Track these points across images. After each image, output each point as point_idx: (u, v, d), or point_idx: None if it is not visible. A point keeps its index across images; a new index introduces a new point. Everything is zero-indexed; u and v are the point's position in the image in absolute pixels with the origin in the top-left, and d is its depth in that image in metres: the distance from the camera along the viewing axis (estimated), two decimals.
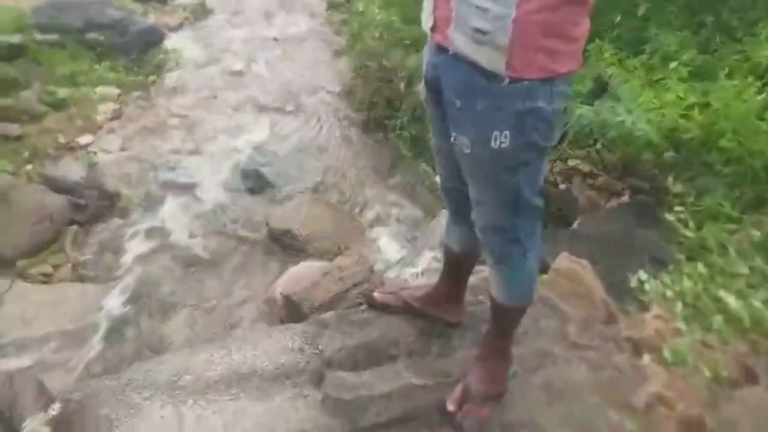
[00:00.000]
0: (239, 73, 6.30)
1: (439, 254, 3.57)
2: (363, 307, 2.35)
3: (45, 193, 3.56)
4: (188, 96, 5.56)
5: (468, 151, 1.54)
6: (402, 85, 5.08)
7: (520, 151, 1.49)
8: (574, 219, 3.17)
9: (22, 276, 3.12)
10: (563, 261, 2.50)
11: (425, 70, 1.69)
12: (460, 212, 1.97)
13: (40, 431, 1.75)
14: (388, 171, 4.69)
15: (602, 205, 3.33)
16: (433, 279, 2.94)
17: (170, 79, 5.94)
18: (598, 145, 3.60)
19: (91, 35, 5.76)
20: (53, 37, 5.63)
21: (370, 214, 4.14)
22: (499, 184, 1.59)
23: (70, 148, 4.41)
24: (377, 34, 7.03)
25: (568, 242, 2.78)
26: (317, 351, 2.06)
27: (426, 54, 1.64)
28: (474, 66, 1.40)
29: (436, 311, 2.28)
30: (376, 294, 2.36)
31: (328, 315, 2.28)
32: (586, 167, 3.62)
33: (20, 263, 3.18)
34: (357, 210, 4.15)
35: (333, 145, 4.97)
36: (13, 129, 4.38)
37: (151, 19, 7.52)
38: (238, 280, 3.26)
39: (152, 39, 6.25)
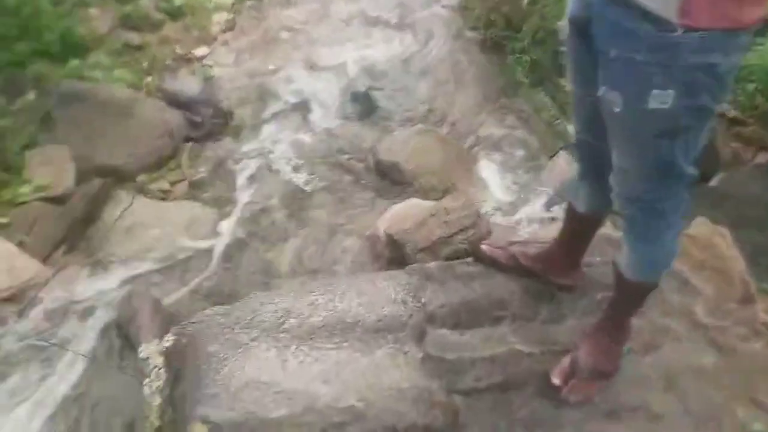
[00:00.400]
0: None
1: (555, 199, 3.35)
2: (469, 259, 2.24)
3: (164, 108, 3.64)
4: (300, 7, 5.40)
5: (618, 109, 1.33)
6: (524, 2, 4.64)
7: (682, 114, 1.28)
8: (713, 174, 2.80)
9: (143, 191, 3.25)
10: (700, 227, 2.23)
11: (573, 6, 1.47)
12: (592, 170, 1.78)
13: (155, 359, 1.84)
14: (503, 98, 4.38)
15: (749, 159, 2.91)
16: (547, 231, 2.79)
17: None
18: (751, 87, 3.11)
19: None
20: None
21: (479, 148, 3.92)
22: (650, 151, 1.39)
23: (187, 60, 4.46)
24: None
25: (704, 203, 2.47)
26: (419, 304, 2.00)
27: None
28: (638, 8, 1.18)
29: (549, 272, 2.13)
30: (484, 246, 2.24)
31: (432, 265, 2.19)
32: (732, 112, 3.15)
33: (140, 178, 3.31)
34: (466, 143, 3.94)
35: (445, 67, 4.69)
36: (134, 38, 4.48)
37: None
38: (343, 211, 3.22)
39: None
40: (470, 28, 5.04)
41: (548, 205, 3.39)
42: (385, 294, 2.00)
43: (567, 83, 2.12)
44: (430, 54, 4.83)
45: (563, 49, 1.90)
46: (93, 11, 4.68)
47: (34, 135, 3.16)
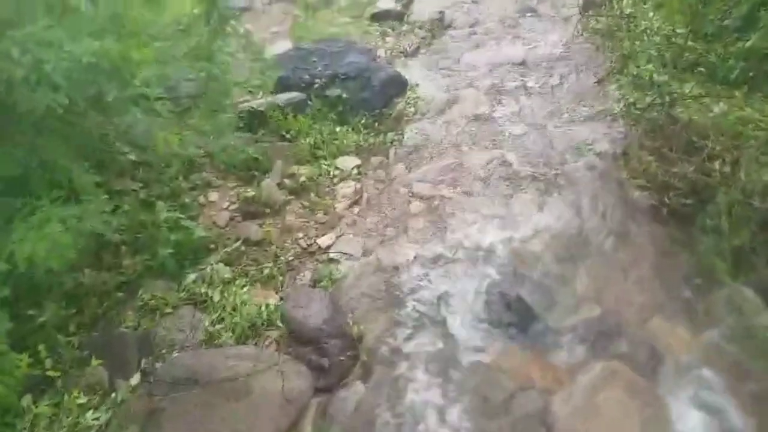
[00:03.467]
0: (485, 119, 5.30)
1: None
2: None
3: (286, 364, 3.01)
4: (431, 164, 4.74)
5: None
6: (716, 164, 3.63)
7: None
8: None
9: None
10: None
11: None
12: None
13: None
14: (694, 294, 3.36)
15: None
16: None
17: (410, 134, 5.19)
18: None
19: (334, 91, 5.24)
20: (295, 96, 5.23)
21: (674, 386, 2.92)
22: None
23: (311, 253, 3.91)
24: (654, 52, 5.46)
25: None
26: None
27: None
28: None
29: None
30: None
31: None
32: None
33: None
34: (661, 380, 2.95)
35: (611, 246, 3.76)
36: (255, 231, 4.01)
37: (388, 44, 6.93)
38: None
39: (395, 91, 5.53)
40: (637, 187, 4.08)
41: None
42: None
43: None
44: (590, 226, 3.93)
45: None
46: (212, 195, 4.35)
47: None
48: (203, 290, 3.49)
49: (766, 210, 3.23)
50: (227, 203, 4.26)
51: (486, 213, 4.13)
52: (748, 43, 4.54)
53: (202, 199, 4.28)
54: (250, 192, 4.26)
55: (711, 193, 3.56)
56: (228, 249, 3.82)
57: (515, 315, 3.38)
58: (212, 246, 3.87)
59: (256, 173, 4.49)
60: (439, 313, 3.47)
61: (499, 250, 3.81)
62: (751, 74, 4.45)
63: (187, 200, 4.11)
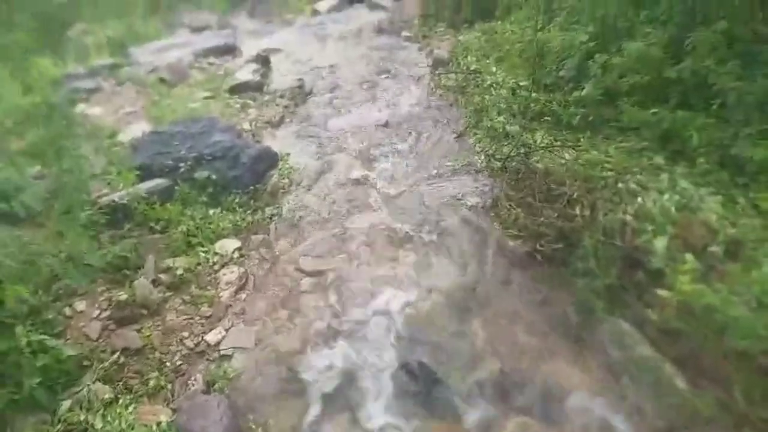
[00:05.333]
0: (359, 183, 5.34)
1: None
2: None
3: None
4: (313, 234, 4.65)
5: None
6: (577, 209, 3.91)
7: None
8: None
9: None
10: None
11: None
12: None
13: None
14: (581, 339, 3.53)
15: None
16: None
17: (288, 206, 5.07)
18: None
19: (202, 173, 4.98)
20: (159, 183, 4.91)
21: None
22: None
23: (200, 353, 3.59)
24: (503, 105, 5.88)
25: None
26: None
27: None
28: None
29: None
30: None
31: None
32: None
33: None
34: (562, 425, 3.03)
35: (498, 296, 3.88)
36: (133, 338, 3.63)
37: (251, 116, 6.82)
38: None
39: (267, 165, 5.39)
40: (511, 237, 4.27)
41: None
42: None
43: None
44: (475, 280, 4.02)
45: None
46: (79, 304, 3.89)
47: None
48: (82, 418, 3.06)
49: (626, 248, 3.51)
50: (98, 311, 3.82)
51: (376, 280, 4.08)
52: (584, 92, 5.03)
53: (67, 310, 3.81)
54: (123, 294, 3.86)
55: (577, 236, 3.81)
56: (105, 364, 3.40)
57: (421, 383, 3.33)
58: (86, 363, 3.43)
59: (127, 272, 4.10)
60: (346, 396, 3.32)
61: (394, 316, 3.76)
62: (590, 119, 4.92)
63: (50, 316, 3.63)
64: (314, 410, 3.23)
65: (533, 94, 5.57)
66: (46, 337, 3.37)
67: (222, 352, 3.60)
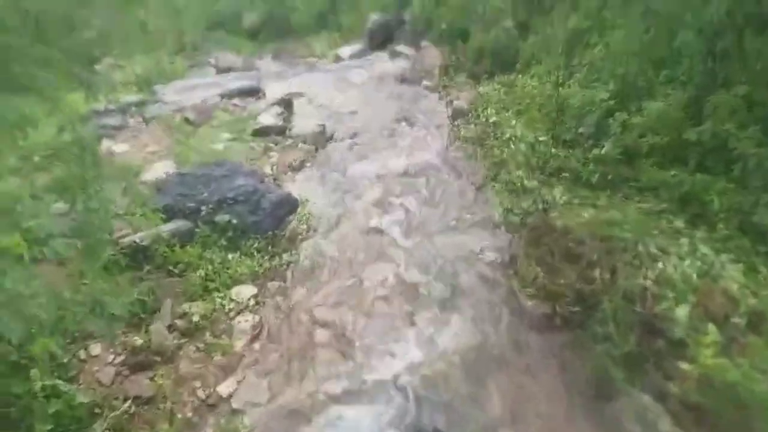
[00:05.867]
0: (376, 232, 5.35)
1: None
2: None
3: None
4: (330, 284, 4.64)
5: None
6: (596, 271, 3.86)
7: None
8: None
9: None
10: None
11: None
12: None
13: None
14: (597, 402, 3.45)
15: None
16: None
17: (305, 253, 5.08)
18: None
19: (223, 217, 5.02)
20: (181, 225, 4.96)
21: None
22: None
23: (211, 406, 3.56)
24: (522, 159, 5.90)
25: None
26: None
27: None
28: None
29: None
30: None
31: None
32: None
33: None
34: None
35: (511, 358, 3.80)
36: (146, 386, 3.60)
37: (273, 159, 6.91)
38: None
39: (286, 210, 5.43)
40: (528, 296, 4.22)
41: None
42: None
43: None
44: (491, 341, 3.97)
45: None
46: (94, 348, 3.89)
47: None
48: None
49: (647, 314, 3.45)
50: (112, 356, 3.82)
51: (391, 337, 4.05)
52: (603, 150, 5.04)
53: (82, 353, 3.81)
54: (138, 340, 3.86)
55: (596, 299, 3.76)
56: (116, 412, 3.38)
57: None
58: (97, 410, 3.41)
59: (143, 316, 4.10)
60: None
61: (409, 377, 3.70)
62: (609, 177, 4.91)
63: (65, 359, 3.63)
64: None
65: (552, 150, 5.60)
66: (60, 381, 3.36)
67: (234, 406, 3.56)
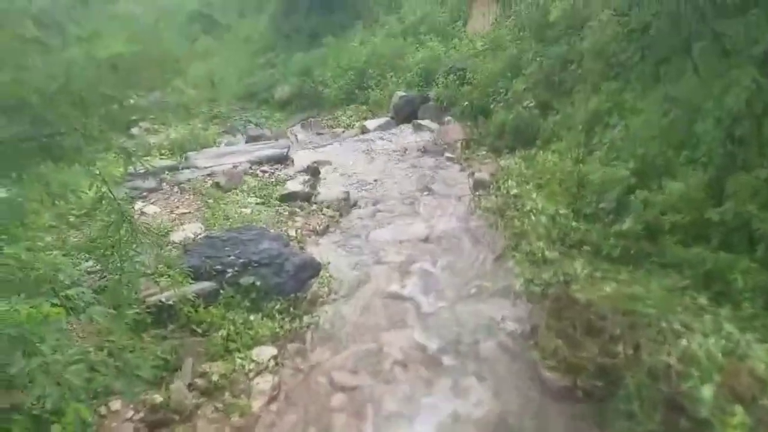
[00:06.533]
0: (396, 297, 5.38)
1: None
2: None
3: None
4: (349, 348, 4.64)
5: None
6: (620, 346, 3.82)
7: None
8: None
9: None
10: None
11: None
12: None
13: None
14: None
15: None
16: None
17: (326, 316, 5.12)
18: None
19: (248, 279, 5.12)
20: (206, 286, 5.05)
21: None
22: None
23: None
24: (543, 231, 5.96)
25: None
26: None
27: None
28: None
29: None
30: None
31: None
32: None
33: None
34: None
35: (529, 428, 3.73)
36: None
37: (298, 223, 7.06)
38: None
39: (309, 273, 5.52)
40: (549, 368, 4.16)
41: None
42: None
43: None
44: (510, 411, 3.89)
45: None
46: (114, 404, 3.90)
47: None
48: None
49: (671, 392, 3.39)
50: (132, 412, 3.83)
51: (409, 404, 4.00)
52: (625, 226, 5.08)
53: (103, 409, 3.83)
54: (158, 397, 3.88)
55: (619, 374, 3.70)
56: None
57: None
58: None
59: (164, 374, 4.13)
60: None
61: None
62: (631, 252, 4.92)
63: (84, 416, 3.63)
64: None
65: (573, 223, 5.65)
66: None
67: None
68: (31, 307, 2.82)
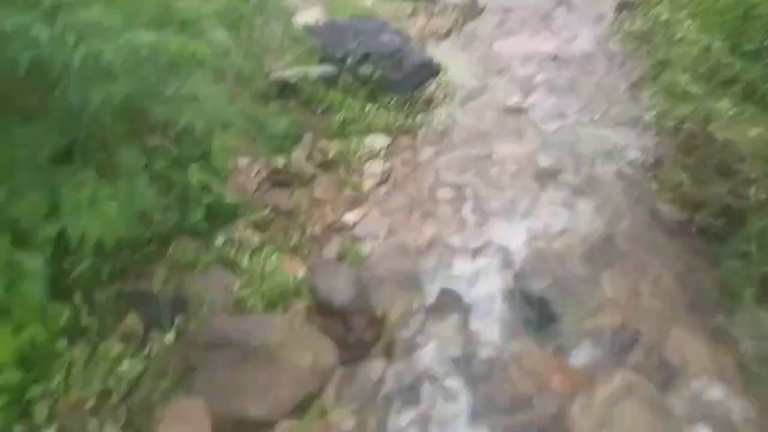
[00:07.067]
0: (514, 111, 5.24)
1: None
2: None
3: (313, 336, 3.03)
4: (459, 150, 4.69)
5: None
6: (752, 190, 3.58)
7: None
8: None
9: None
10: None
11: None
12: None
13: None
14: (716, 315, 3.35)
15: None
16: None
17: (439, 118, 5.12)
18: None
19: (367, 68, 5.10)
20: (328, 69, 5.11)
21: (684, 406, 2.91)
22: None
23: (337, 229, 3.86)
24: (689, 62, 5.37)
25: None
26: None
27: None
28: None
29: None
30: None
31: None
32: None
33: (282, 427, 2.69)
34: (675, 401, 2.94)
35: (636, 257, 3.73)
36: (284, 201, 3.95)
37: (419, 24, 6.78)
38: None
39: (427, 75, 5.41)
40: (666, 201, 4.04)
41: None
42: None
43: None
44: (616, 233, 3.89)
45: None
46: (242, 160, 4.26)
47: (169, 389, 2.65)
48: (232, 254, 3.43)
49: None
50: (257, 170, 4.18)
51: (513, 208, 4.09)
52: None
53: (231, 163, 4.19)
54: (280, 161, 4.18)
55: (742, 217, 3.53)
56: (257, 216, 3.76)
57: (536, 313, 3.36)
58: (240, 212, 3.81)
59: (285, 145, 4.40)
60: (461, 304, 3.44)
61: (524, 246, 3.77)
62: None
63: (216, 164, 4.02)
64: (430, 306, 3.39)
65: (728, 59, 5.02)
66: (213, 179, 3.75)
67: (356, 233, 3.83)
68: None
